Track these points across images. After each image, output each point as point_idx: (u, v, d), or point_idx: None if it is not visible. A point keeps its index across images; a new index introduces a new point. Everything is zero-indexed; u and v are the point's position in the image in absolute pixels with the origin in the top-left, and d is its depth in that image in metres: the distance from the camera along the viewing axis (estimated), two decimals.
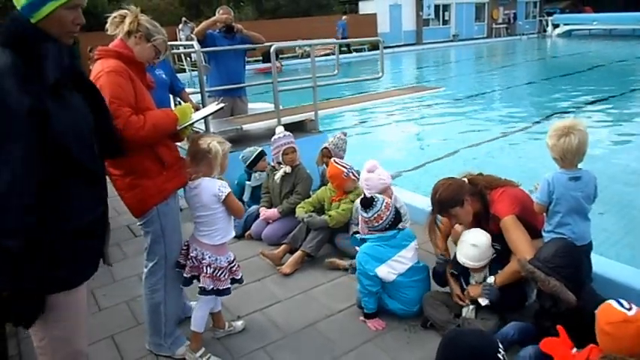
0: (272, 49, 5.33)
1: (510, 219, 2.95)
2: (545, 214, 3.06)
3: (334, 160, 4.25)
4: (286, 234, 4.32)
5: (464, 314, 3.05)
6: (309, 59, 6.09)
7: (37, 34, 1.82)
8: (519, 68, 21.31)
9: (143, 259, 2.92)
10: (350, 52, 26.40)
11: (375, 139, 10.52)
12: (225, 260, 2.89)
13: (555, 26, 36.26)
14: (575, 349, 2.25)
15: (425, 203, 4.46)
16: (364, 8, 32.79)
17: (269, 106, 6.59)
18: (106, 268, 4.01)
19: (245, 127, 5.63)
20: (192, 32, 10.07)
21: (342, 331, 3.16)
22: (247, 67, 7.00)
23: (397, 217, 3.31)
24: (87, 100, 2.04)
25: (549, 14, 37.91)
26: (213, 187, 2.77)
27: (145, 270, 2.89)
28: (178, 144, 2.92)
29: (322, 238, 4.10)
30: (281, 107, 5.63)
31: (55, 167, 1.83)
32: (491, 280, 2.99)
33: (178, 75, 5.62)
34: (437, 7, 34.43)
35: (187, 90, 5.50)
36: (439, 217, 3.27)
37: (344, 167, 4.16)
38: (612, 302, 2.13)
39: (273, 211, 4.53)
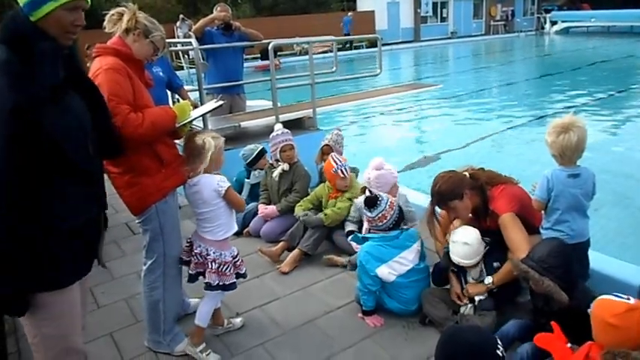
0: (270, 47, 5.32)
1: (509, 216, 2.95)
2: (543, 211, 3.07)
3: (332, 156, 4.25)
4: (284, 231, 4.32)
5: (462, 311, 3.05)
6: (307, 56, 6.08)
7: (35, 33, 1.81)
8: (517, 65, 21.33)
9: (142, 257, 2.92)
10: (352, 48, 26.56)
11: (373, 136, 10.53)
12: (230, 255, 2.90)
13: (553, 23, 36.30)
14: (569, 345, 2.26)
15: (424, 200, 4.49)
16: (362, 5, 32.73)
17: (267, 104, 6.58)
18: (106, 265, 4.04)
19: (243, 124, 5.62)
20: (189, 30, 10.04)
21: (341, 328, 3.17)
22: (246, 64, 6.99)
23: (400, 216, 3.30)
24: (86, 99, 2.04)
25: (547, 11, 37.94)
26: (212, 183, 2.77)
27: (144, 268, 2.89)
28: (176, 141, 2.92)
29: (319, 237, 4.10)
30: (279, 105, 5.62)
31: (50, 166, 1.83)
32: (489, 280, 2.99)
33: (176, 72, 5.61)
34: (435, 4, 34.42)
35: (185, 87, 5.49)
36: (438, 210, 3.27)
37: (335, 163, 4.17)
38: (608, 296, 2.13)
39: (273, 209, 4.53)
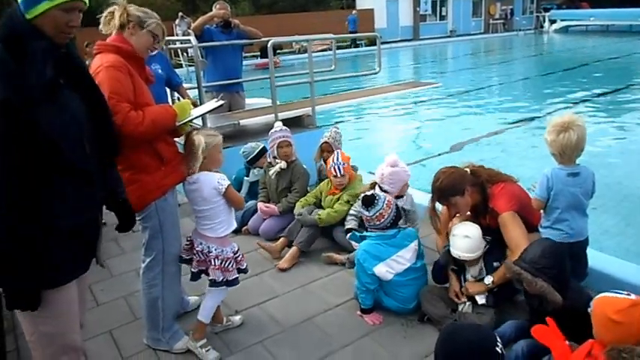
0: (269, 45, 5.31)
1: (509, 215, 2.96)
2: (542, 210, 3.07)
3: (336, 152, 4.27)
4: (283, 229, 4.33)
5: (460, 309, 3.06)
6: (306, 54, 6.07)
7: (30, 33, 1.81)
8: (516, 64, 21.32)
9: (140, 255, 2.92)
10: (357, 46, 26.75)
11: (372, 134, 10.52)
12: (231, 251, 2.91)
13: (552, 22, 36.29)
14: (567, 342, 2.26)
15: (423, 198, 4.49)
16: (361, 3, 32.70)
17: (266, 102, 6.57)
18: (104, 264, 4.03)
19: (242, 122, 5.62)
20: (189, 27, 10.02)
21: (340, 326, 3.17)
22: (246, 62, 6.98)
23: (398, 215, 3.30)
24: (85, 98, 2.03)
25: (546, 10, 37.92)
26: (212, 181, 2.77)
27: (143, 265, 2.89)
28: (176, 139, 2.91)
29: (312, 234, 4.11)
30: (278, 102, 5.62)
31: (49, 166, 1.83)
32: (488, 280, 2.99)
33: (175, 70, 5.60)
34: (434, 2, 34.44)
35: (184, 85, 5.48)
36: (439, 207, 3.27)
37: (332, 161, 4.19)
38: (608, 294, 2.13)
39: (274, 209, 4.53)
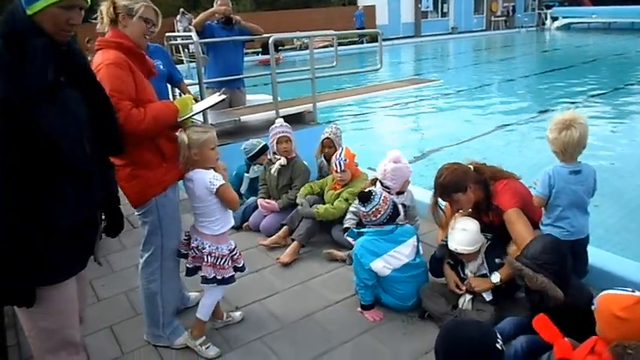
0: (270, 41, 5.30)
1: (515, 212, 2.96)
2: (543, 207, 3.07)
3: (343, 148, 4.30)
4: (283, 226, 4.34)
5: (460, 305, 3.06)
6: (307, 51, 6.06)
7: (30, 30, 1.80)
8: (518, 61, 21.27)
9: (139, 250, 2.91)
10: (362, 42, 26.82)
11: (373, 130, 10.52)
12: (227, 248, 2.89)
13: (554, 19, 36.19)
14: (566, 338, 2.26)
15: (424, 195, 4.49)
16: (363, 0, 32.65)
17: (267, 98, 6.57)
18: (105, 259, 4.04)
19: (243, 118, 5.62)
20: (190, 23, 10.01)
21: (340, 322, 3.17)
22: (249, 58, 6.97)
23: (395, 211, 3.31)
24: (87, 96, 2.03)
25: (548, 7, 37.81)
26: (205, 179, 2.74)
27: (141, 260, 2.88)
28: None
29: (311, 228, 4.11)
30: (279, 99, 5.61)
31: (49, 166, 1.83)
32: (496, 278, 2.95)
33: (177, 66, 5.59)
34: None
35: (186, 81, 5.48)
36: (442, 202, 3.27)
37: (335, 157, 4.21)
38: (612, 291, 2.13)
39: (274, 204, 4.53)
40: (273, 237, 4.26)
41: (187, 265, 2.93)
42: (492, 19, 36.66)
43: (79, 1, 1.89)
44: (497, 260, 3.01)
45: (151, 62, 2.76)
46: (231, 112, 5.92)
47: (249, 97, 6.62)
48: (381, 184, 3.79)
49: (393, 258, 3.18)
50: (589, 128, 2.90)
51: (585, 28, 34.60)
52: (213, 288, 2.92)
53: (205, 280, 2.86)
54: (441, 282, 3.25)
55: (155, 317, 2.94)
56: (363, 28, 26.02)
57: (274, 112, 5.44)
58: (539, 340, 2.36)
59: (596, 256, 3.24)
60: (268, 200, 4.60)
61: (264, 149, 4.83)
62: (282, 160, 4.51)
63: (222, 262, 2.85)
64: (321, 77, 5.98)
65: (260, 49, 21.20)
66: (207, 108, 3.17)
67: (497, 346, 2.06)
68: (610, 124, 9.62)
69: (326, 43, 19.96)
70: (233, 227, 4.57)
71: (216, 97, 2.97)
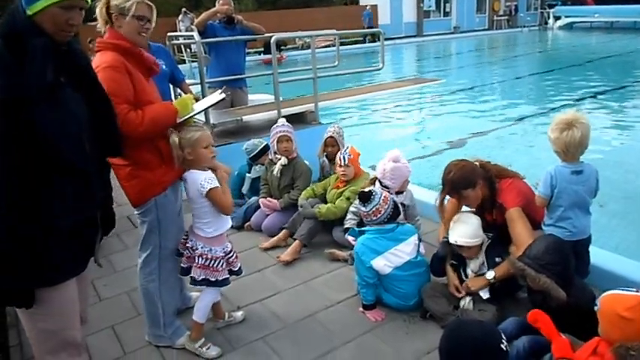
0: (272, 40, 5.30)
1: (516, 211, 2.95)
2: (545, 207, 3.06)
3: (348, 146, 4.31)
4: None
5: (462, 306, 3.05)
6: (309, 50, 6.06)
7: (30, 30, 1.80)
8: (520, 61, 21.24)
9: (137, 250, 2.90)
10: (366, 41, 26.82)
11: (374, 130, 10.50)
12: (221, 251, 2.86)
13: (557, 18, 36.15)
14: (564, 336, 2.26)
15: (424, 194, 4.49)
16: (366, 0, 32.61)
17: (269, 98, 6.57)
18: (107, 259, 4.05)
19: (245, 118, 5.62)
20: (192, 23, 10.02)
21: (342, 322, 3.17)
22: (252, 58, 6.98)
23: (395, 210, 3.31)
24: (87, 96, 2.02)
25: (551, 6, 37.78)
26: (196, 181, 2.71)
27: (139, 260, 2.87)
28: None
29: (313, 227, 4.11)
30: (281, 99, 5.61)
31: (49, 166, 1.83)
32: (490, 274, 2.97)
33: (179, 66, 5.60)
34: None
35: (187, 81, 5.48)
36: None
37: (341, 152, 4.24)
38: (616, 291, 2.11)
39: (276, 203, 4.54)
40: (273, 239, 4.26)
41: (182, 265, 2.90)
42: (495, 18, 36.60)
43: (79, 2, 1.89)
44: (497, 259, 3.01)
45: (151, 59, 2.72)
46: (233, 111, 5.92)
47: (251, 96, 6.62)
48: (380, 183, 3.79)
49: (394, 256, 3.18)
50: (592, 127, 2.89)
51: (588, 28, 34.54)
52: (208, 290, 2.90)
53: (193, 282, 2.84)
54: (443, 282, 3.25)
55: (155, 318, 2.94)
56: (371, 28, 26.12)
57: (276, 111, 5.44)
58: (541, 340, 2.36)
59: (598, 256, 3.23)
60: (270, 199, 4.60)
61: (266, 149, 4.82)
62: (283, 160, 4.51)
63: (214, 265, 2.82)
64: (322, 77, 5.98)
65: (262, 49, 21.21)
66: (207, 107, 3.14)
67: (502, 346, 2.06)
68: (613, 123, 9.60)
69: (328, 43, 20.00)
70: (234, 227, 4.63)
71: (216, 96, 2.94)
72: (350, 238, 3.70)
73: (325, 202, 4.32)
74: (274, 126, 4.55)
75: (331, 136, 4.71)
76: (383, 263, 3.15)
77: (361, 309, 3.25)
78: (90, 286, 3.16)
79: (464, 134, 9.07)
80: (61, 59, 1.89)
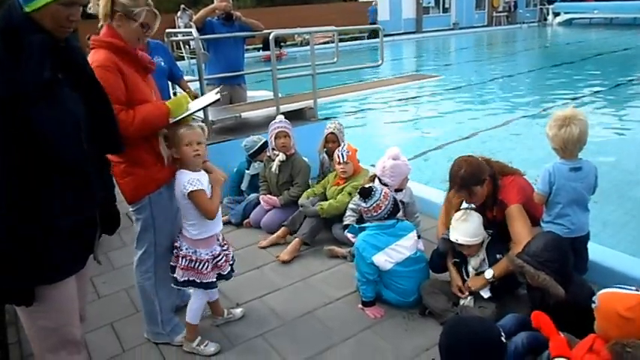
0: (271, 37, 5.29)
1: (517, 208, 2.95)
2: (544, 204, 3.06)
3: (346, 143, 4.32)
4: None
5: (462, 303, 3.05)
6: (308, 47, 6.04)
7: (27, 26, 1.79)
8: (519, 57, 21.23)
9: (133, 248, 2.89)
10: (368, 37, 27.17)
11: (373, 126, 10.50)
12: (207, 254, 2.79)
13: (556, 15, 36.09)
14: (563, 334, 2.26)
15: (423, 191, 4.49)
16: None
17: (268, 94, 6.55)
18: (106, 256, 4.05)
19: (244, 115, 5.60)
20: (190, 20, 9.99)
21: (341, 319, 3.17)
22: (252, 54, 6.97)
23: (395, 207, 3.31)
24: (85, 94, 2.01)
25: (550, 2, 37.68)
26: (181, 182, 2.67)
27: (135, 259, 2.86)
28: None
29: (315, 226, 4.11)
30: (280, 95, 5.60)
31: (49, 166, 1.82)
32: (489, 274, 2.96)
33: (177, 63, 5.58)
34: None
35: (186, 78, 5.47)
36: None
37: (339, 149, 4.23)
38: (615, 289, 2.09)
39: (276, 200, 4.53)
40: (272, 237, 4.25)
41: (171, 263, 2.85)
42: (494, 14, 36.55)
43: None
44: (497, 256, 3.01)
45: (146, 58, 2.69)
46: (232, 108, 5.90)
47: (250, 93, 6.60)
48: (380, 181, 3.78)
49: (395, 251, 3.18)
50: (590, 124, 2.89)
51: (587, 24, 34.50)
52: (197, 292, 2.88)
53: (175, 282, 2.80)
54: (442, 279, 3.25)
55: (153, 315, 2.94)
56: (374, 24, 26.13)
57: (275, 108, 5.43)
58: (539, 337, 2.37)
59: (597, 252, 3.23)
60: (270, 196, 4.60)
61: (265, 146, 4.81)
62: (281, 156, 4.49)
63: (199, 267, 2.76)
64: (321, 73, 5.97)
65: (261, 46, 21.14)
66: (202, 107, 3.11)
67: (502, 339, 2.07)
68: (612, 120, 9.60)
69: (327, 39, 19.96)
70: (234, 224, 4.63)
71: (212, 96, 2.91)
72: (349, 235, 3.70)
73: (325, 200, 4.31)
74: (272, 122, 4.54)
75: (332, 132, 4.70)
76: (384, 259, 3.15)
77: (360, 306, 3.25)
78: (89, 283, 3.16)
79: (463, 131, 9.06)
80: (59, 56, 1.88)
